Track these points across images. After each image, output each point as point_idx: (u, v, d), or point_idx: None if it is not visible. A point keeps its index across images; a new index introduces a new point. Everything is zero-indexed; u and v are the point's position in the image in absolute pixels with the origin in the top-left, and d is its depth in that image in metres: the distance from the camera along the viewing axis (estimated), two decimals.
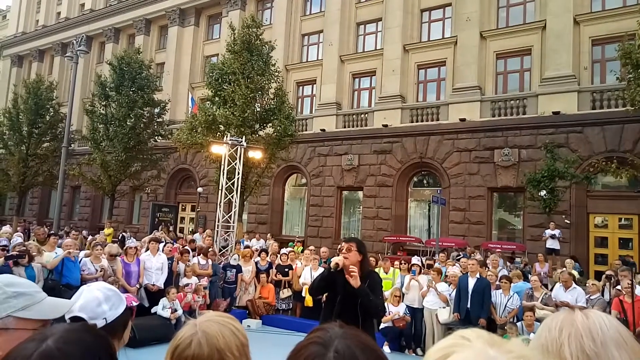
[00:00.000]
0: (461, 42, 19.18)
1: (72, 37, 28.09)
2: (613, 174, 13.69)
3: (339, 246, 8.00)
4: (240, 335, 1.27)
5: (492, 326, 8.14)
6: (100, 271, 8.50)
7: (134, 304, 1.80)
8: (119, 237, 17.64)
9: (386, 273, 9.91)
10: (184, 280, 9.70)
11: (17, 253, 7.37)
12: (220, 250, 12.79)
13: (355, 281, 3.80)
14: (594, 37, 17.00)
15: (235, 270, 10.77)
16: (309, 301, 10.25)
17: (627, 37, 13.75)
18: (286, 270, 10.98)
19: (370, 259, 10.59)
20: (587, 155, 15.84)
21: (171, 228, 18.71)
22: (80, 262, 8.45)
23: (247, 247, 13.22)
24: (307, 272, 10.48)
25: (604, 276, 10.41)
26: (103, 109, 21.83)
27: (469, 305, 8.11)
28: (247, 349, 1.28)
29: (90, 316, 1.49)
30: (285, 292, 10.78)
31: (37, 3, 39.57)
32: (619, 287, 8.54)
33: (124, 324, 1.58)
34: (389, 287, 9.51)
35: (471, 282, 8.25)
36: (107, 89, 21.59)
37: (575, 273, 11.57)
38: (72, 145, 27.39)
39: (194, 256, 10.58)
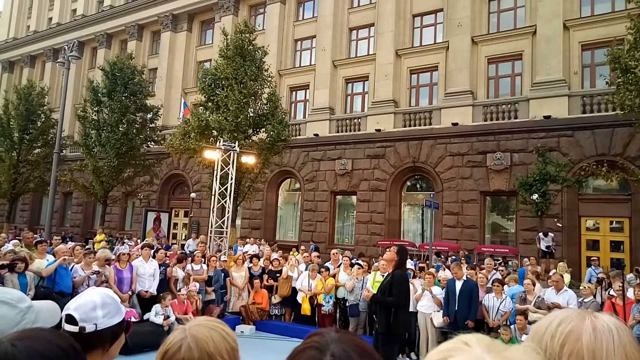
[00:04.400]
0: (453, 47, 19.32)
1: (64, 43, 27.96)
2: (604, 178, 13.82)
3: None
4: (230, 339, 1.26)
5: (484, 329, 8.16)
6: (92, 274, 8.42)
7: (133, 319, 1.73)
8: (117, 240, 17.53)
9: (382, 275, 9.85)
10: (180, 287, 9.62)
11: (9, 262, 7.28)
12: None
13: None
14: (583, 42, 17.19)
15: (223, 274, 10.70)
16: (306, 310, 9.97)
17: (615, 42, 13.95)
18: (278, 275, 10.92)
19: (363, 264, 10.65)
20: (578, 158, 15.97)
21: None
22: (71, 269, 8.38)
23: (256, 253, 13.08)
24: (304, 278, 10.32)
25: (595, 279, 10.50)
26: (95, 115, 21.70)
27: (456, 308, 8.16)
28: (237, 353, 1.27)
29: (81, 317, 1.44)
30: (277, 298, 10.73)
31: (29, 8, 39.39)
32: (611, 290, 8.61)
33: (113, 336, 1.51)
34: None
35: (458, 285, 8.32)
36: (99, 94, 21.45)
37: (568, 276, 11.65)
38: (64, 151, 27.21)
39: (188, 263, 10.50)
